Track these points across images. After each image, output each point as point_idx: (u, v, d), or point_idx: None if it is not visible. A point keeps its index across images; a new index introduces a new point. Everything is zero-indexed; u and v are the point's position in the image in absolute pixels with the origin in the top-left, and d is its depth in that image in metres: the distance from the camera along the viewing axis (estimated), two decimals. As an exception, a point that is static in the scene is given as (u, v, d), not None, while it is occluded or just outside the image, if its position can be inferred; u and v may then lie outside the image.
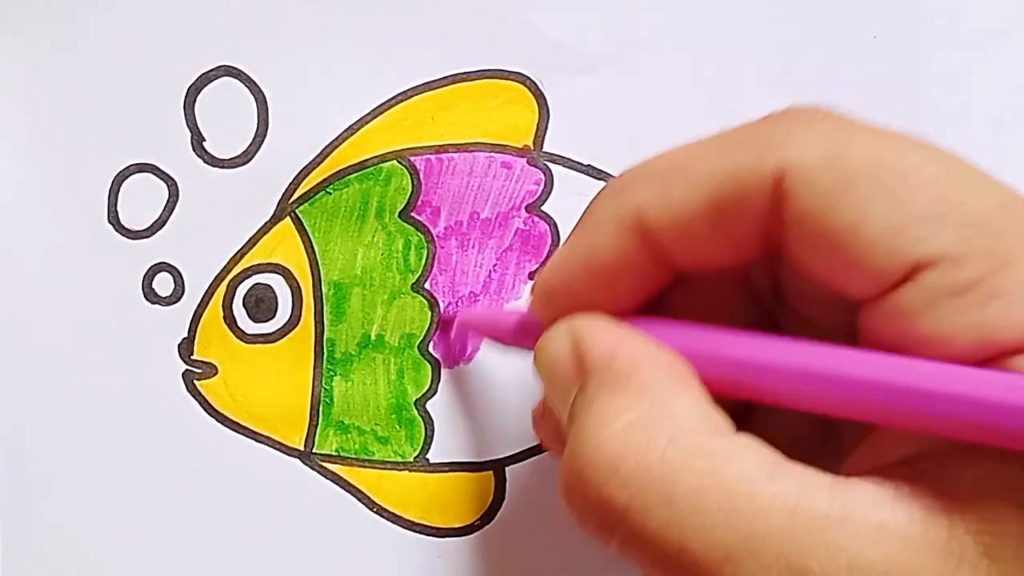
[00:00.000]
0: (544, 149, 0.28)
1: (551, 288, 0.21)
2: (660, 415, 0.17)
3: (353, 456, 0.28)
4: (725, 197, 0.18)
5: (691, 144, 0.20)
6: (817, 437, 0.21)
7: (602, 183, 0.28)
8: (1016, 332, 0.16)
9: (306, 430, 0.28)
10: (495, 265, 0.28)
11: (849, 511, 0.16)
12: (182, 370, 0.28)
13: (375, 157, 0.28)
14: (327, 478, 0.28)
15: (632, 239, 0.19)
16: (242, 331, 0.28)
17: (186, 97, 0.28)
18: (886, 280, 0.17)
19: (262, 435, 0.28)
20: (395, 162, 0.28)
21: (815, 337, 0.18)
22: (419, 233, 0.28)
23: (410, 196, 0.28)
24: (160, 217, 0.28)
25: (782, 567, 0.15)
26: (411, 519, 0.28)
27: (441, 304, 0.28)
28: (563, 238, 0.28)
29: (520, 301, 0.28)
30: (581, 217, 0.21)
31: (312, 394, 0.28)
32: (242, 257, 0.28)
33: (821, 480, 0.16)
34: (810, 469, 0.17)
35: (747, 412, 0.21)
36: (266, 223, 0.28)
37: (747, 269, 0.22)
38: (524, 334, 0.23)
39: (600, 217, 0.20)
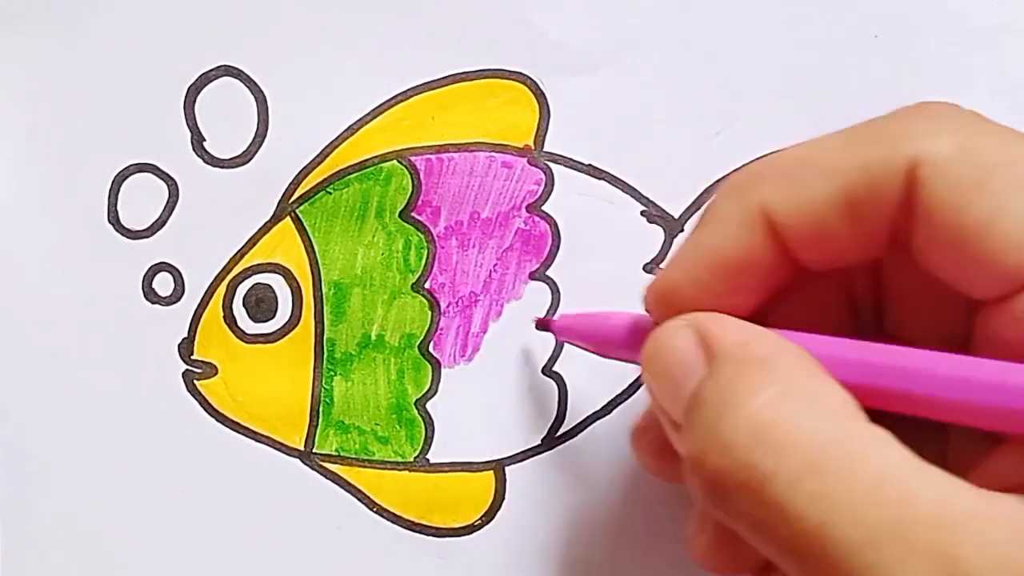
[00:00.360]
0: (544, 149, 0.28)
1: (671, 287, 0.20)
2: (805, 394, 0.17)
3: (353, 456, 0.28)
4: (858, 190, 0.18)
5: (816, 140, 0.19)
6: (931, 448, 0.21)
7: (603, 183, 0.28)
8: None
9: (306, 430, 0.28)
10: (495, 265, 0.28)
11: (1000, 510, 0.15)
12: (182, 370, 0.28)
13: (375, 157, 0.28)
14: (327, 478, 0.28)
15: (759, 235, 0.19)
16: (242, 331, 0.28)
17: (186, 97, 0.28)
18: (1017, 280, 0.17)
19: (262, 435, 0.28)
20: (395, 162, 0.28)
21: (917, 344, 0.18)
22: (419, 233, 0.28)
23: (410, 196, 0.28)
24: (160, 217, 0.28)
25: (931, 554, 0.15)
26: (411, 519, 0.28)
27: (441, 304, 0.28)
28: (564, 238, 0.28)
29: (520, 301, 0.28)
30: (702, 215, 0.20)
31: (312, 394, 0.28)
32: (242, 257, 0.28)
33: (964, 482, 0.16)
34: (950, 474, 0.16)
35: None
36: (266, 223, 0.28)
37: (854, 272, 0.21)
38: (630, 340, 0.22)
39: (724, 214, 0.20)
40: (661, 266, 0.21)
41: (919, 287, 0.19)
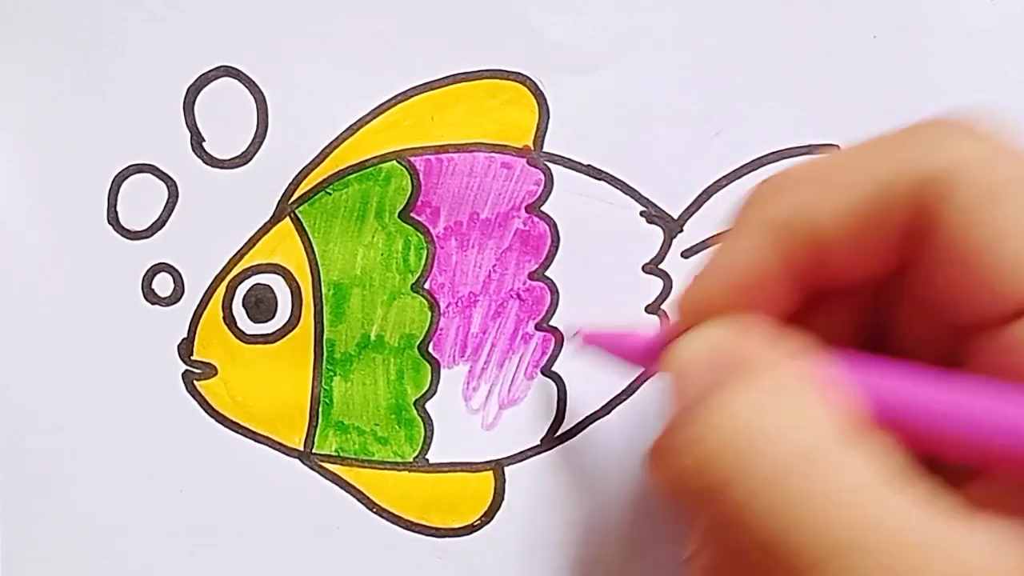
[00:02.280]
0: (544, 149, 0.28)
1: (702, 296, 0.21)
2: (788, 407, 0.17)
3: (353, 456, 0.28)
4: (873, 204, 0.18)
5: (839, 152, 0.20)
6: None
7: (602, 183, 0.28)
8: None
9: (305, 430, 0.28)
10: (495, 265, 0.28)
11: (969, 533, 0.15)
12: (182, 370, 0.28)
13: (375, 157, 0.28)
14: (326, 478, 0.28)
15: (784, 244, 0.19)
16: (242, 331, 0.28)
17: (186, 97, 0.28)
18: (1009, 305, 0.17)
19: (262, 435, 0.28)
20: (395, 162, 0.28)
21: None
22: (419, 233, 0.28)
23: (410, 196, 0.28)
24: (160, 217, 0.28)
25: (887, 573, 0.15)
26: (410, 519, 0.28)
27: (441, 304, 0.28)
28: (563, 238, 0.28)
29: (519, 302, 0.28)
30: (728, 229, 0.21)
31: (312, 394, 0.28)
32: (242, 257, 0.28)
33: (938, 506, 0.16)
34: (933, 487, 0.16)
35: None
36: (266, 223, 0.28)
37: (856, 295, 0.21)
38: (652, 349, 0.22)
39: (748, 224, 0.20)
40: (693, 276, 0.21)
41: (918, 311, 0.19)
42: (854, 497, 0.16)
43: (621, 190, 0.28)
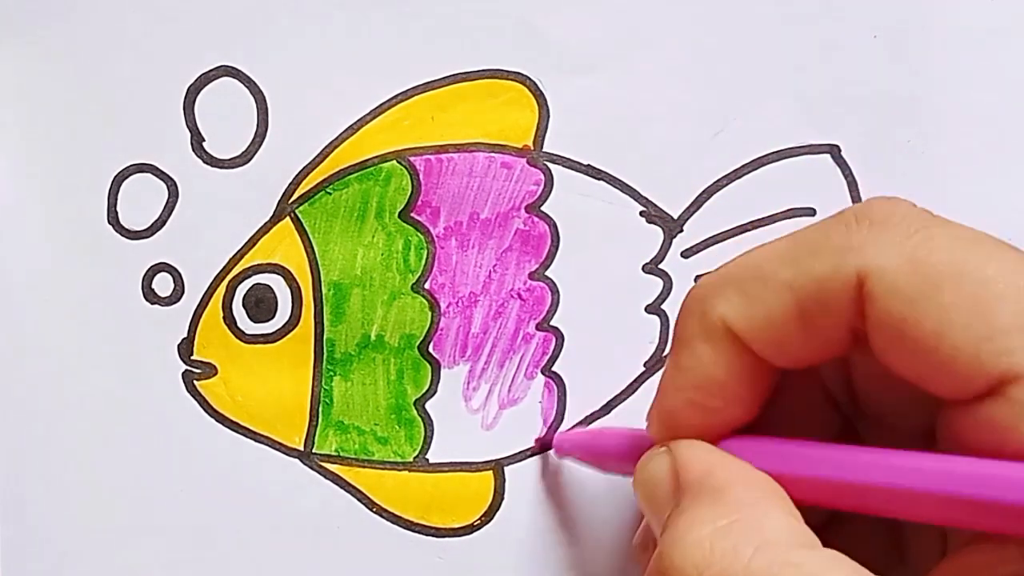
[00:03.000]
0: (544, 149, 0.28)
1: (669, 412, 0.21)
2: (748, 526, 0.18)
3: (353, 456, 0.28)
4: (809, 303, 0.19)
5: (763, 248, 0.20)
6: (893, 554, 0.21)
7: (602, 183, 0.28)
8: None
9: (306, 430, 0.28)
10: (495, 265, 0.28)
11: None
12: (182, 370, 0.28)
13: (375, 157, 0.28)
14: (327, 478, 0.28)
15: (729, 350, 0.20)
16: (242, 331, 0.28)
17: (186, 97, 0.28)
18: (972, 388, 0.17)
19: (262, 435, 0.28)
20: (395, 162, 0.28)
21: (893, 439, 0.19)
22: (419, 233, 0.28)
23: (410, 196, 0.28)
24: (160, 217, 0.28)
25: None
26: (411, 519, 0.28)
27: (441, 304, 0.28)
28: (563, 238, 0.28)
29: (519, 302, 0.28)
30: (673, 337, 0.21)
31: (312, 394, 0.28)
32: (242, 257, 0.28)
33: None
34: None
35: (824, 526, 0.21)
36: (266, 223, 0.28)
37: (827, 375, 0.22)
38: (625, 458, 0.23)
39: (690, 336, 0.20)
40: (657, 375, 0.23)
41: (887, 382, 0.20)
42: None
43: (621, 190, 0.28)
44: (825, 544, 0.18)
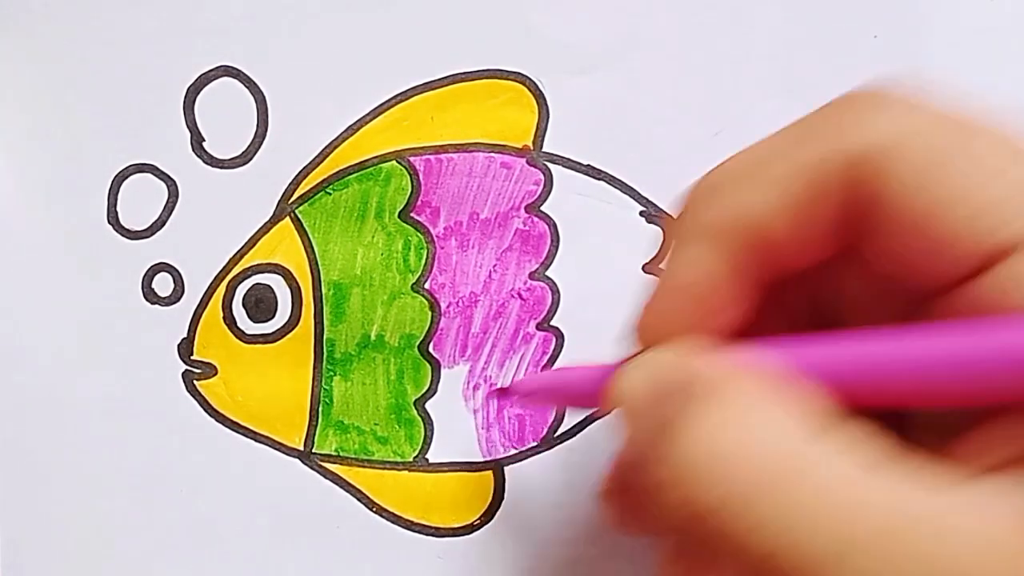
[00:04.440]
0: (544, 149, 0.28)
1: (656, 319, 0.20)
2: (751, 420, 0.17)
3: (352, 456, 0.28)
4: (801, 194, 0.18)
5: (767, 140, 0.19)
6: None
7: (602, 183, 0.28)
8: None
9: (305, 430, 0.28)
10: (495, 265, 0.28)
11: (950, 506, 0.15)
12: (182, 370, 0.28)
13: (375, 157, 0.28)
14: (327, 478, 0.28)
15: (719, 249, 0.19)
16: (242, 331, 0.28)
17: (186, 97, 0.28)
18: (971, 263, 0.17)
19: (262, 435, 0.28)
20: (395, 162, 0.28)
21: None
22: (419, 233, 0.28)
23: (410, 196, 0.28)
24: (160, 217, 0.28)
25: (883, 563, 0.15)
26: (411, 519, 0.28)
27: (441, 304, 0.28)
28: (563, 238, 0.28)
29: (519, 302, 0.28)
30: (665, 244, 0.20)
31: (312, 394, 0.28)
32: (242, 257, 0.28)
33: (922, 480, 0.16)
34: (914, 467, 0.16)
35: None
36: (266, 223, 0.28)
37: (813, 292, 0.21)
38: (595, 387, 0.21)
39: (683, 237, 0.20)
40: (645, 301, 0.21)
41: (874, 292, 0.19)
42: (836, 492, 0.16)
43: (621, 190, 0.28)
44: None
